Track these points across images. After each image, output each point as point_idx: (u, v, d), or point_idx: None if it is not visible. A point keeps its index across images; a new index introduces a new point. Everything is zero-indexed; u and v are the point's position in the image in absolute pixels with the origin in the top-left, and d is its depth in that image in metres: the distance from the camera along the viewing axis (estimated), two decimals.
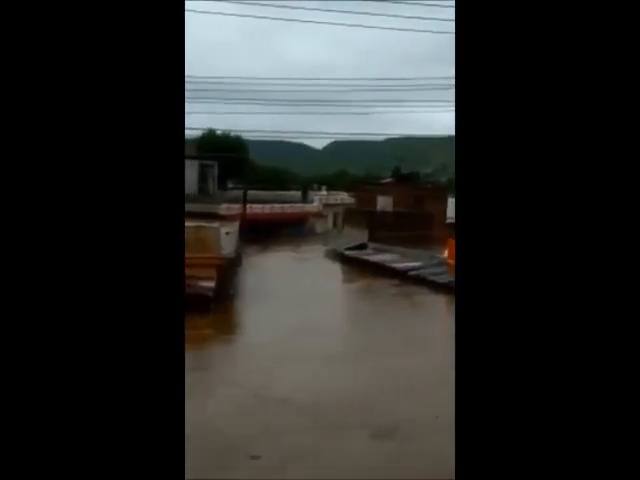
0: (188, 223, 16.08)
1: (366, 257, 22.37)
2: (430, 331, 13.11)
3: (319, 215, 36.39)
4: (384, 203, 31.18)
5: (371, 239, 25.05)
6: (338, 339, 12.00)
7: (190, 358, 9.45)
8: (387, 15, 35.92)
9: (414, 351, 10.67)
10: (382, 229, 26.16)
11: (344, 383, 8.83)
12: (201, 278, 13.53)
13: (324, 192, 42.99)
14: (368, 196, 32.38)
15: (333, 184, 50.36)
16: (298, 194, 40.40)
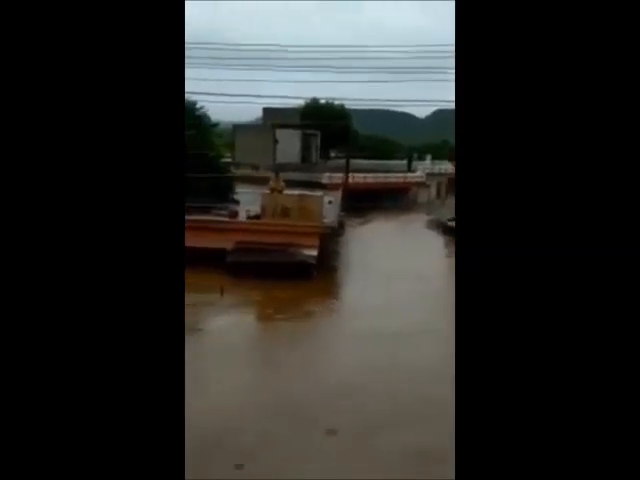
0: (291, 191, 16.32)
1: None
2: None
3: (422, 185, 35.89)
4: None
5: None
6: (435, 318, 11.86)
7: (288, 326, 9.55)
8: None
9: None
10: None
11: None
12: (304, 246, 13.73)
13: (427, 161, 42.28)
14: None
15: (436, 153, 49.42)
16: (401, 163, 39.95)
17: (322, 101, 50.35)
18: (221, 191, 18.02)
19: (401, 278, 13.94)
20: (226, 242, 13.87)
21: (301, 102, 46.96)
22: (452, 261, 16.25)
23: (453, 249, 16.40)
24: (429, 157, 43.62)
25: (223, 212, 15.42)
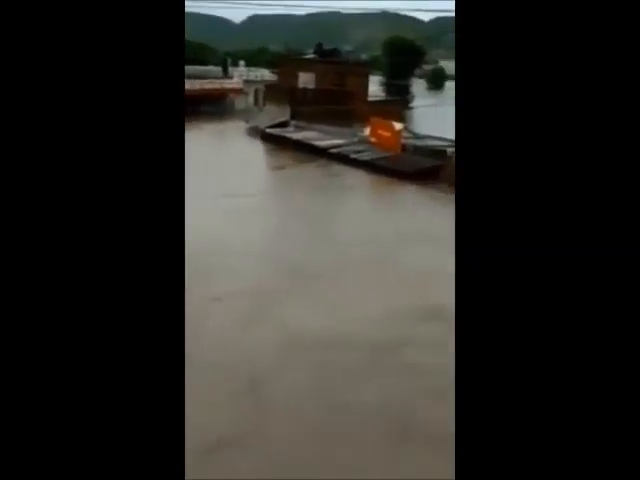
0: None
1: (288, 135, 22.13)
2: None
3: (239, 91, 35.38)
4: (306, 80, 30.51)
5: (293, 116, 24.70)
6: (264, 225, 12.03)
7: None
8: None
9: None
10: (304, 106, 25.76)
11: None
12: None
13: (242, 67, 41.55)
14: (289, 72, 31.55)
15: (253, 60, 48.68)
16: (217, 69, 38.94)
17: None
18: None
19: (228, 192, 13.86)
20: None
21: None
22: (277, 173, 16.47)
23: (271, 153, 16.66)
24: (242, 63, 42.83)
25: None
